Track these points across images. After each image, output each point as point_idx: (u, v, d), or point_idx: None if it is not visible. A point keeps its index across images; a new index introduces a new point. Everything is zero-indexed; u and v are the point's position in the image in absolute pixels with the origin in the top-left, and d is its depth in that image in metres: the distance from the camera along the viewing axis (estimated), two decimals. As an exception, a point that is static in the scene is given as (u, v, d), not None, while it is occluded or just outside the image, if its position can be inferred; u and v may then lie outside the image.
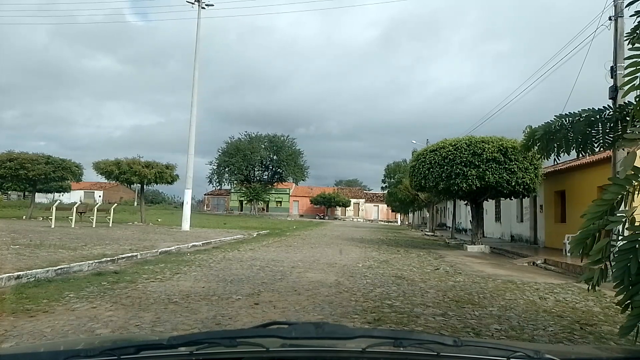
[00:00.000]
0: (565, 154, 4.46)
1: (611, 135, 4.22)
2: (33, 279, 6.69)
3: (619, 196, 2.38)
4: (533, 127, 4.61)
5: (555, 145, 4.37)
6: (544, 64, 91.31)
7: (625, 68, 2.68)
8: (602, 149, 4.38)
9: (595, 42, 11.29)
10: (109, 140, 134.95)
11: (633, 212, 2.39)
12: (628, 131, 3.05)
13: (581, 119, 4.19)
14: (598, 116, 4.16)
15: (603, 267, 2.53)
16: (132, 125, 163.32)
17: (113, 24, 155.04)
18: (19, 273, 6.64)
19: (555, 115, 4.33)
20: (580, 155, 4.41)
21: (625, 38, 3.06)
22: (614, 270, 2.27)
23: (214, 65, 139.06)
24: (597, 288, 2.73)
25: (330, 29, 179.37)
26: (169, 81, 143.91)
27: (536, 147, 4.56)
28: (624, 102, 3.89)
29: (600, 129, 4.20)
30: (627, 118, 3.82)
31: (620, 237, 2.41)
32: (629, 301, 2.30)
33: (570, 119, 4.25)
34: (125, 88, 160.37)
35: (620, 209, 2.43)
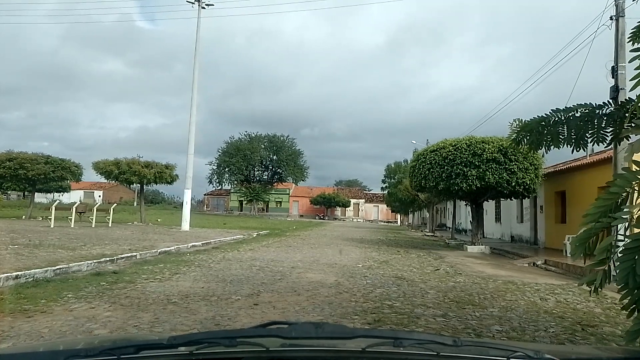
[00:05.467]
0: (556, 148, 4.42)
1: (608, 131, 4.19)
2: (31, 279, 6.66)
3: (625, 192, 2.29)
4: (523, 120, 4.57)
5: (548, 138, 4.33)
6: (544, 64, 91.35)
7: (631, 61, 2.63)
8: (596, 144, 4.35)
9: (596, 44, 11.26)
10: (115, 141, 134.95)
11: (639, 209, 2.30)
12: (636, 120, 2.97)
13: (577, 114, 4.16)
14: (597, 112, 4.12)
15: (606, 268, 2.44)
16: (137, 127, 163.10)
17: (121, 28, 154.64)
18: (18, 273, 6.61)
19: (551, 110, 4.31)
20: (574, 150, 4.37)
21: (629, 38, 3.02)
22: (618, 272, 2.18)
23: (223, 68, 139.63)
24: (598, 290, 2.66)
25: (335, 32, 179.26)
26: (175, 83, 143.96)
27: (526, 141, 4.52)
28: (625, 99, 3.85)
29: (597, 124, 4.17)
30: (627, 114, 3.79)
31: (623, 236, 2.34)
32: (634, 305, 2.22)
33: (565, 113, 4.22)
34: (131, 90, 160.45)
35: (626, 205, 2.33)
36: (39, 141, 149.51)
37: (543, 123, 4.38)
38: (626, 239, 2.18)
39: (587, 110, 4.22)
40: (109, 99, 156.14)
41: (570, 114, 4.29)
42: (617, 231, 2.41)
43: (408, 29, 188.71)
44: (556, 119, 4.33)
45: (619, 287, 2.19)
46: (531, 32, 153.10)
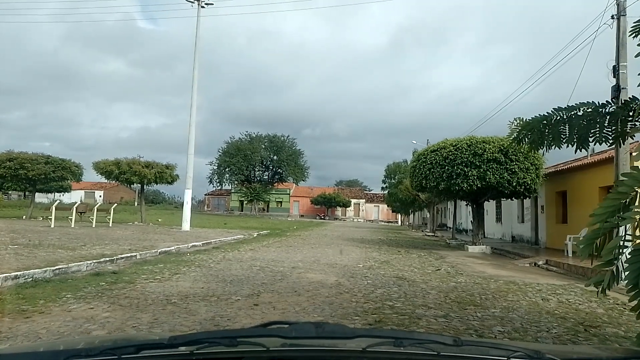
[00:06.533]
0: (557, 147, 4.39)
1: (610, 131, 4.15)
2: (30, 279, 6.62)
3: (633, 192, 2.24)
4: (524, 119, 4.53)
5: (550, 137, 4.29)
6: (545, 64, 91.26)
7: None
8: (598, 143, 4.31)
9: (597, 43, 11.21)
10: (116, 141, 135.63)
11: None
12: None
13: (579, 113, 4.12)
14: (599, 111, 4.08)
15: (614, 269, 2.40)
16: (139, 127, 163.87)
17: (123, 28, 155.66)
18: (17, 273, 6.57)
19: (553, 108, 4.27)
20: (577, 149, 4.33)
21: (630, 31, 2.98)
22: (627, 273, 2.12)
23: (224, 68, 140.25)
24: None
25: (336, 33, 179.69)
26: (176, 83, 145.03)
27: (527, 140, 4.48)
28: (629, 97, 3.81)
29: (599, 123, 4.13)
30: (631, 113, 3.75)
31: (631, 236, 2.28)
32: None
33: (567, 112, 4.18)
34: (132, 90, 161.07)
35: (634, 205, 2.29)
36: (40, 141, 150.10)
37: (545, 122, 4.34)
38: (635, 239, 2.13)
39: (589, 109, 4.18)
40: (110, 99, 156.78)
41: (572, 113, 4.25)
42: (625, 231, 2.37)
43: (409, 30, 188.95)
44: (558, 117, 4.29)
45: (628, 288, 2.14)
46: (532, 33, 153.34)
